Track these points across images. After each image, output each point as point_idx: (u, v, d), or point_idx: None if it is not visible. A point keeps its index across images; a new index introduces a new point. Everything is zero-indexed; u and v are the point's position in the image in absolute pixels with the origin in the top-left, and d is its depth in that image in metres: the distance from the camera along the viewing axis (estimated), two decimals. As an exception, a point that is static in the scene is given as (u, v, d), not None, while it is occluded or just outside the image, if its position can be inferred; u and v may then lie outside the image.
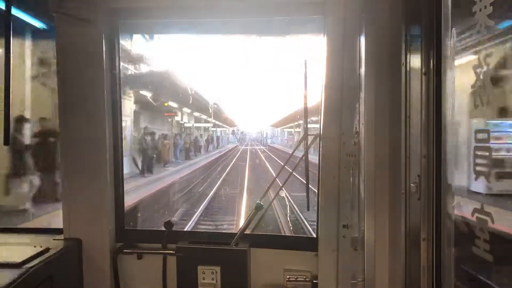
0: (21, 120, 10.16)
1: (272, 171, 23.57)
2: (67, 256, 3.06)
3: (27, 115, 10.75)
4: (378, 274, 2.36)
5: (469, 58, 1.58)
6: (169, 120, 28.13)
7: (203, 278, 3.12)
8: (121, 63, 3.37)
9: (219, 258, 3.13)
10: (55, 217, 7.66)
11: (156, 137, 22.46)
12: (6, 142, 2.54)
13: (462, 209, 1.72)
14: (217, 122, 51.12)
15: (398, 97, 2.14)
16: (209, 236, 3.45)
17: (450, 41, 1.76)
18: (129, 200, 11.06)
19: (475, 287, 1.75)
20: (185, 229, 10.79)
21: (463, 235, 1.70)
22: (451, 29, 1.75)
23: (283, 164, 3.61)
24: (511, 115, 1.45)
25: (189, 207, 14.89)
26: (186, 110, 31.96)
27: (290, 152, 3.54)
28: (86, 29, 3.06)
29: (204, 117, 41.85)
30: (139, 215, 12.02)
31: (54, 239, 3.16)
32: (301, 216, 12.31)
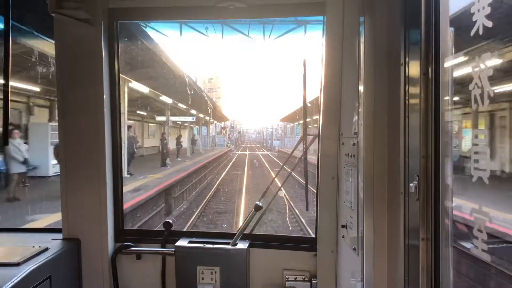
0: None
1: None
2: (66, 256, 3.05)
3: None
4: (377, 275, 2.36)
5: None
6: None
7: (202, 278, 3.12)
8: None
9: (218, 258, 3.13)
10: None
11: None
12: (5, 143, 2.54)
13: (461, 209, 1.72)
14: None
15: (397, 98, 2.14)
16: (208, 236, 3.45)
17: (450, 41, 1.76)
18: None
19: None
20: (184, 229, 10.77)
21: (461, 235, 1.70)
22: (450, 29, 1.76)
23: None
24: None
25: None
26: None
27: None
28: (85, 29, 3.06)
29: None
30: None
31: (53, 239, 3.15)
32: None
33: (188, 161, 29.46)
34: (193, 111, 37.43)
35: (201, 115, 44.07)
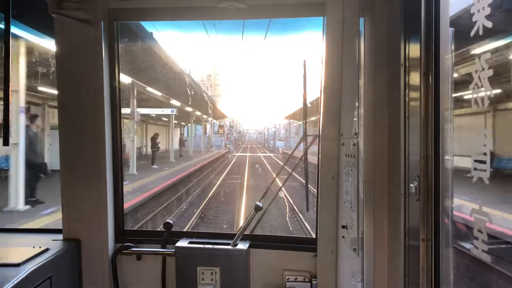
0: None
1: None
2: (67, 257, 3.05)
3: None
4: (377, 275, 2.35)
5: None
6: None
7: (203, 279, 3.12)
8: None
9: (218, 259, 3.13)
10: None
11: None
12: (5, 143, 2.54)
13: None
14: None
15: (397, 98, 2.14)
16: (209, 236, 3.45)
17: (449, 41, 1.76)
18: None
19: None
20: (185, 230, 10.76)
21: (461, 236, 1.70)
22: (450, 29, 1.75)
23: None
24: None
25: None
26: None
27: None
28: (85, 29, 3.06)
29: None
30: None
31: (53, 240, 3.15)
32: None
33: (167, 170, 21.66)
34: (175, 102, 26.97)
35: (189, 109, 33.16)
